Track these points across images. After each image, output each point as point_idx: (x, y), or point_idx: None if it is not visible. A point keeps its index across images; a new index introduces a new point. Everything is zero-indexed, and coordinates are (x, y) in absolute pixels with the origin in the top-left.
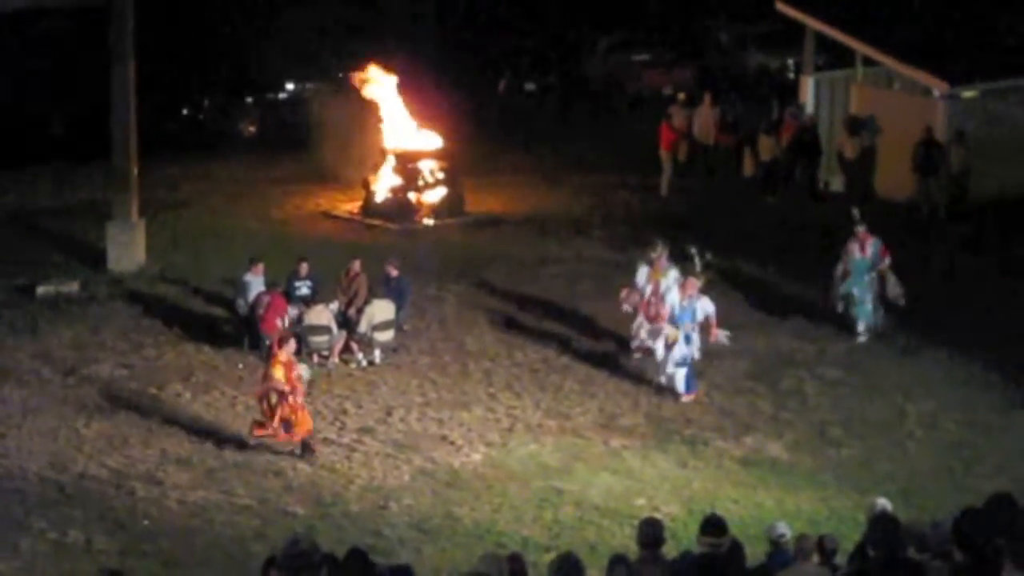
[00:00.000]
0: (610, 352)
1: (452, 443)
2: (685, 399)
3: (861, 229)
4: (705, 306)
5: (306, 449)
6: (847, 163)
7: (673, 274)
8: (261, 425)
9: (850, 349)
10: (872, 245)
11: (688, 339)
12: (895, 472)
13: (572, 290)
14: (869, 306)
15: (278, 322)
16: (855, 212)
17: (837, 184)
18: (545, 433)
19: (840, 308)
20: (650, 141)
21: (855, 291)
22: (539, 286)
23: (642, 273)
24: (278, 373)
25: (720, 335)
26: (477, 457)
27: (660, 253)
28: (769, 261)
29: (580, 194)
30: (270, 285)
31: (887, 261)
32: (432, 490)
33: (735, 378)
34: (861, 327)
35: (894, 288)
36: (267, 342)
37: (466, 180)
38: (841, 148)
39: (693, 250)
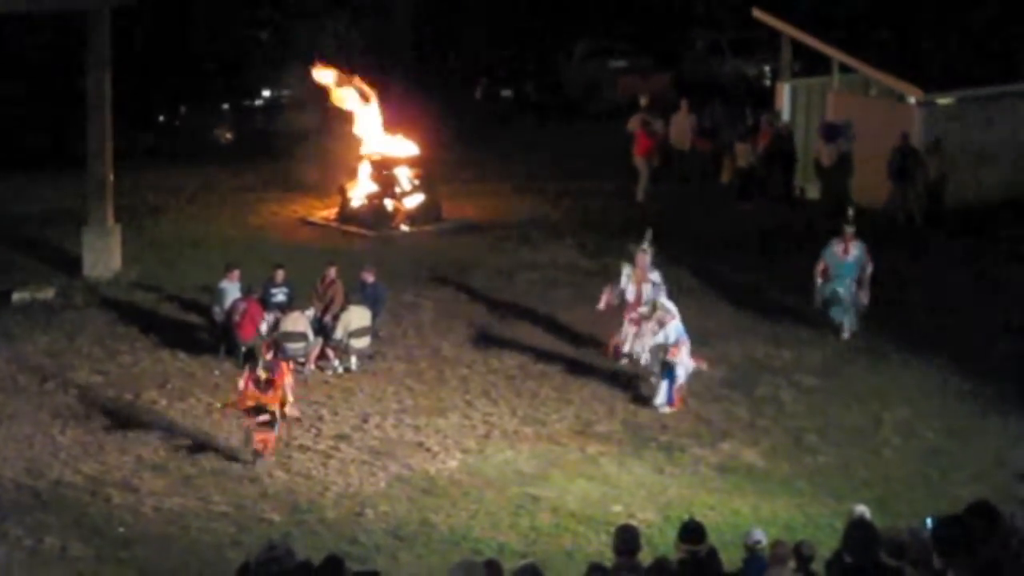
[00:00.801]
0: (586, 359)
1: (428, 450)
2: (664, 410)
3: (850, 231)
4: (669, 332)
5: (256, 455)
6: (823, 170)
7: (655, 277)
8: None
9: (826, 356)
10: (856, 248)
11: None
12: (871, 479)
13: (548, 297)
14: (851, 307)
15: (254, 329)
16: (850, 212)
17: (813, 191)
18: (521, 440)
19: (820, 306)
20: (627, 148)
21: (840, 291)
22: (515, 292)
23: (625, 273)
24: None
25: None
26: (453, 464)
27: (647, 249)
28: (745, 267)
29: (557, 200)
30: (246, 292)
31: (870, 269)
32: (408, 497)
33: (711, 385)
34: (846, 327)
35: (863, 296)
36: (243, 349)
37: (443, 187)
38: (817, 155)
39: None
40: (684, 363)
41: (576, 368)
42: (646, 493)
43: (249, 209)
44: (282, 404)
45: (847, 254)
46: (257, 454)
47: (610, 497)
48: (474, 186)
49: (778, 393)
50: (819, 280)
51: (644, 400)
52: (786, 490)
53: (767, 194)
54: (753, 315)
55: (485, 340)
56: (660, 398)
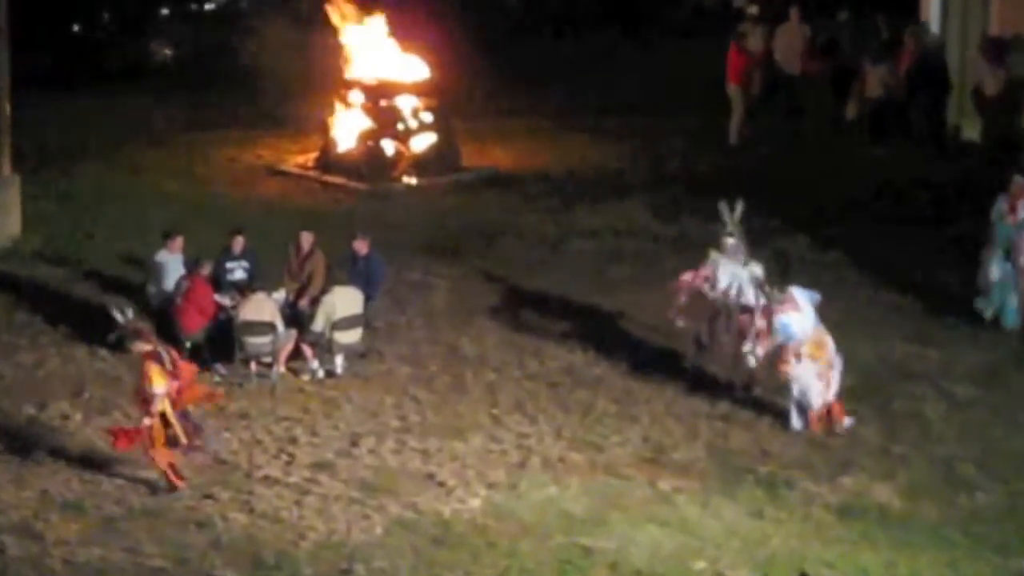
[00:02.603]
0: (658, 360)
1: (441, 484)
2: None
3: (1020, 181)
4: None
5: (170, 485)
6: (986, 102)
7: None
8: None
9: (988, 358)
10: None
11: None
12: None
13: (607, 274)
14: (1011, 292)
15: (202, 317)
16: None
17: (972, 130)
18: (569, 471)
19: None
20: (714, 71)
21: (993, 268)
22: (561, 269)
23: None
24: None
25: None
26: (475, 503)
27: (734, 232)
28: (878, 236)
29: (617, 144)
30: (192, 266)
31: None
32: (413, 548)
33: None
34: (1008, 317)
35: None
36: (187, 345)
37: (462, 124)
38: (978, 81)
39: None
40: (800, 379)
41: (644, 372)
42: (740, 544)
43: (197, 154)
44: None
45: (1016, 214)
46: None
47: (691, 550)
48: (505, 123)
49: (922, 408)
50: (988, 255)
51: (741, 415)
52: (933, 541)
53: (909, 134)
54: (889, 302)
55: (519, 334)
56: (794, 422)
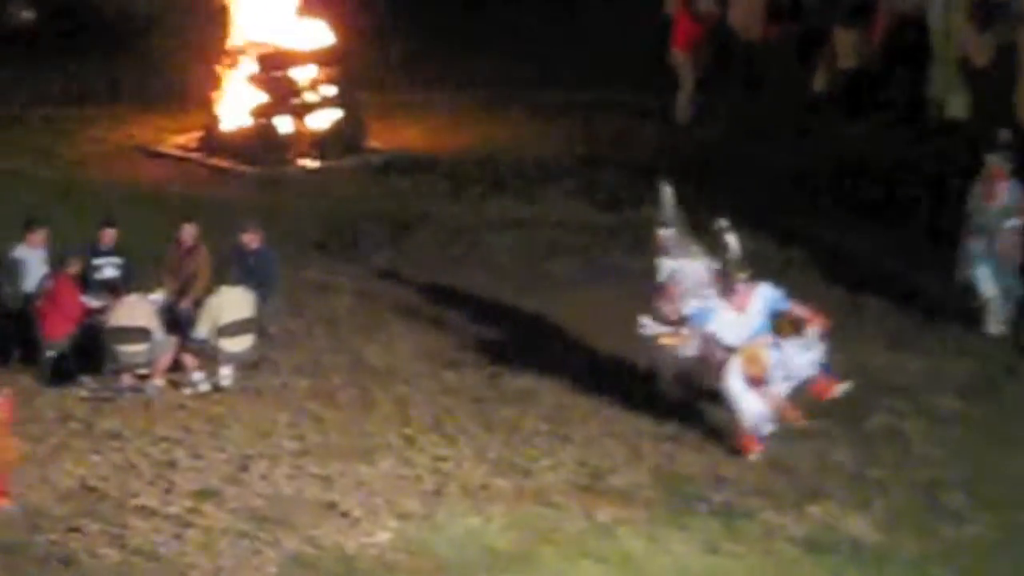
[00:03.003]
0: (597, 370)
1: (345, 515)
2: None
3: (995, 162)
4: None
5: None
6: (974, 72)
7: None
8: None
9: (976, 367)
10: (1010, 190)
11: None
12: None
13: (537, 272)
14: (995, 285)
15: (67, 322)
16: (1003, 133)
17: (958, 105)
18: (494, 499)
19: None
20: (661, 39)
21: (977, 262)
22: (485, 266)
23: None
24: None
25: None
26: (385, 537)
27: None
28: (851, 228)
29: (548, 121)
30: (57, 263)
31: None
32: None
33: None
34: (990, 319)
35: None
36: (49, 353)
37: (370, 98)
38: (965, 49)
39: (723, 225)
40: (732, 388)
41: (580, 386)
42: None
43: (61, 133)
44: None
45: (991, 199)
46: None
47: None
48: (421, 97)
49: (901, 425)
50: (967, 246)
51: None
52: None
53: (886, 109)
54: (864, 305)
55: (435, 342)
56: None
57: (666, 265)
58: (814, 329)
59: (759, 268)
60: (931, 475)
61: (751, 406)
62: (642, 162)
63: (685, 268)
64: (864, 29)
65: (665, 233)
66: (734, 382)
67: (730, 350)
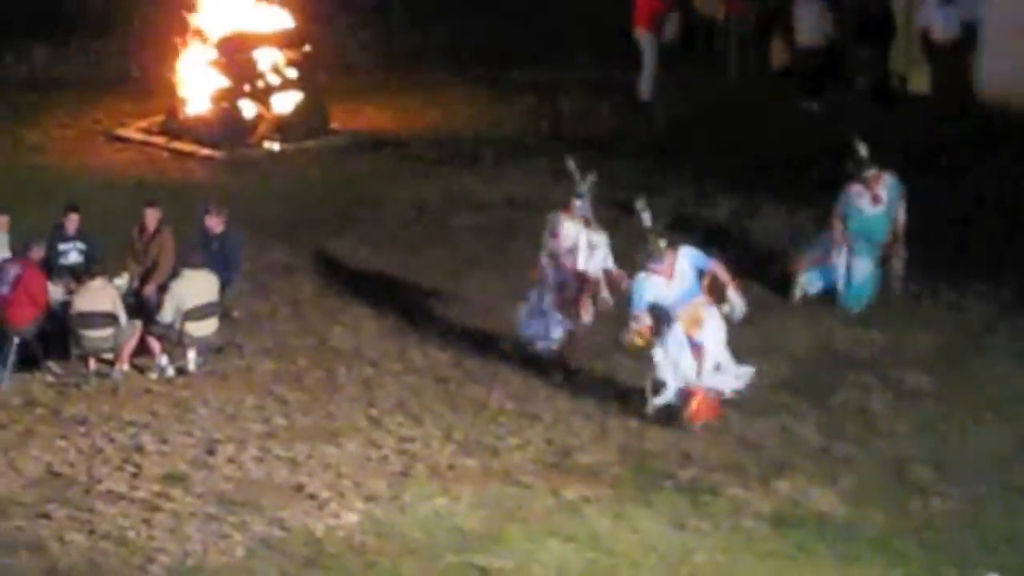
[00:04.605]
0: (562, 349)
1: (312, 496)
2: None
3: (872, 170)
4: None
5: None
6: (936, 48)
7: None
8: None
9: (943, 340)
10: (888, 188)
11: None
12: (1014, 533)
13: (501, 252)
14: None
15: (33, 308)
16: (858, 145)
17: (921, 80)
18: (461, 479)
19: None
20: (622, 15)
21: (857, 261)
22: (449, 247)
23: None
24: None
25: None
26: (352, 519)
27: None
28: (813, 204)
29: (513, 101)
30: (21, 249)
31: (903, 215)
32: (281, 571)
33: (762, 388)
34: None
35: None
36: (15, 341)
37: (333, 80)
38: (927, 26)
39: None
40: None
41: (546, 365)
42: (659, 560)
43: (22, 117)
44: None
45: (877, 202)
46: None
47: (602, 568)
48: (383, 78)
49: (867, 400)
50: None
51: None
52: (881, 553)
53: (849, 86)
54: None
55: (400, 322)
56: (650, 401)
57: (555, 217)
58: (735, 292)
59: (717, 241)
60: (898, 449)
61: (683, 367)
62: (604, 141)
63: (570, 229)
64: (825, 4)
65: (576, 201)
66: (674, 338)
67: (670, 317)
